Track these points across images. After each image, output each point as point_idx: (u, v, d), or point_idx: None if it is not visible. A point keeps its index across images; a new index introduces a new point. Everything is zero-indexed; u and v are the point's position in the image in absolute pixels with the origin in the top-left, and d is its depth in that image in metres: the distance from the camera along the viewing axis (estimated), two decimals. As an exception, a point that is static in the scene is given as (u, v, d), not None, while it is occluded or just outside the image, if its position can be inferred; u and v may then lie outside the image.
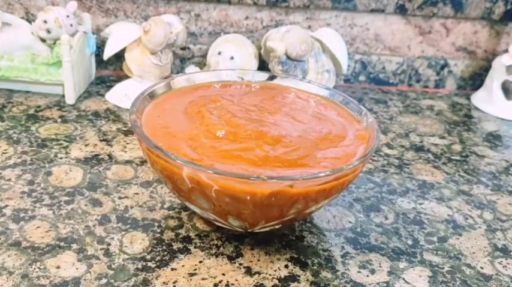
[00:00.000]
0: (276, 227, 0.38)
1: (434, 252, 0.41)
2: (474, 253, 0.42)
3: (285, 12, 0.68)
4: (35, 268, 0.36)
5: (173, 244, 0.39)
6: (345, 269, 0.39)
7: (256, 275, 0.37)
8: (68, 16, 0.57)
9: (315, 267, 0.38)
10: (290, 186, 0.34)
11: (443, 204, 0.48)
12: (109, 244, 0.38)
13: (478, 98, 0.71)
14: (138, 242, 0.39)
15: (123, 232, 0.40)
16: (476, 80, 0.74)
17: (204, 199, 0.35)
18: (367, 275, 0.38)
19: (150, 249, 0.38)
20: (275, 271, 0.38)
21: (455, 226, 0.45)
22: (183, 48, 0.68)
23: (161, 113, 0.42)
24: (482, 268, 0.40)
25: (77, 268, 0.36)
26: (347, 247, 0.41)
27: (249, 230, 0.39)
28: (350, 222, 0.44)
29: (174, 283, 0.36)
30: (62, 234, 0.39)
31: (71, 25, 0.57)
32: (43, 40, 0.58)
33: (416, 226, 0.44)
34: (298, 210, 0.36)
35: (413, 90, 0.73)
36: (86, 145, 0.51)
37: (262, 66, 0.65)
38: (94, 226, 0.40)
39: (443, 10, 0.69)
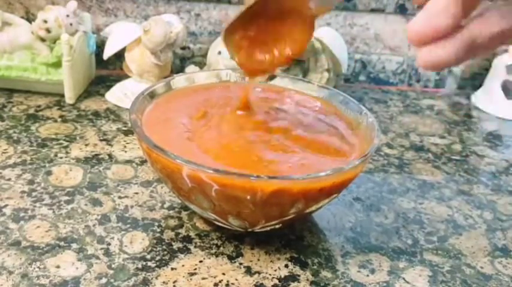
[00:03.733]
0: (276, 226, 0.38)
1: (434, 252, 0.41)
2: (474, 252, 0.42)
3: (285, 12, 0.67)
4: (34, 268, 0.36)
5: (173, 243, 0.39)
6: (345, 269, 0.39)
7: (256, 275, 0.37)
8: (68, 16, 0.57)
9: (315, 267, 0.38)
10: (291, 185, 0.34)
11: (443, 204, 0.48)
12: (109, 244, 0.38)
13: (478, 98, 0.71)
14: (138, 242, 0.39)
15: (123, 232, 0.40)
16: (476, 79, 0.74)
17: (204, 199, 0.35)
18: (367, 275, 0.38)
19: (150, 249, 0.38)
20: (275, 270, 0.38)
21: (455, 226, 0.45)
22: (183, 48, 0.68)
23: (167, 112, 0.42)
24: (482, 267, 0.40)
25: (77, 268, 0.36)
26: (347, 247, 0.41)
27: (249, 230, 0.39)
28: (350, 221, 0.44)
29: (174, 282, 0.36)
30: (62, 234, 0.39)
31: (71, 25, 0.57)
32: (43, 40, 0.58)
33: (416, 226, 0.44)
34: (298, 210, 0.36)
35: (413, 90, 0.73)
36: (86, 145, 0.51)
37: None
38: (94, 225, 0.40)
39: (444, 10, 0.69)
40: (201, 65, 0.67)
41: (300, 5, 0.34)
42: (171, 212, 0.43)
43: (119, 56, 0.61)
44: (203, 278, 0.36)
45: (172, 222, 0.42)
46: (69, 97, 0.58)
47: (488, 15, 0.25)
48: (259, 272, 0.37)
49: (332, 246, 0.41)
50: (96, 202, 0.43)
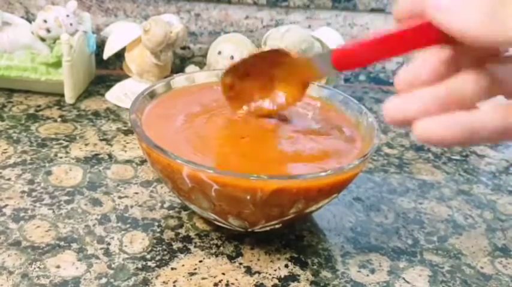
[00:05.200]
0: (276, 226, 0.39)
1: (434, 252, 0.41)
2: (474, 252, 0.42)
3: (285, 12, 0.68)
4: (34, 268, 0.36)
5: (173, 243, 0.39)
6: (345, 269, 0.39)
7: (256, 275, 0.37)
8: (67, 15, 0.57)
9: (315, 267, 0.38)
10: (290, 185, 0.34)
11: (443, 203, 0.48)
12: (109, 244, 0.38)
13: (478, 98, 0.71)
14: (138, 242, 0.39)
15: (123, 232, 0.40)
16: (476, 79, 0.74)
17: (204, 199, 0.35)
18: (367, 275, 0.38)
19: (150, 248, 0.38)
20: (275, 270, 0.38)
21: (455, 226, 0.45)
22: (183, 48, 0.68)
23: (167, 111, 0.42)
24: (482, 267, 0.40)
25: (77, 268, 0.36)
26: (347, 247, 0.41)
27: (249, 230, 0.39)
28: (350, 221, 0.44)
29: (174, 282, 0.36)
30: (62, 233, 0.39)
31: (71, 24, 0.57)
32: (43, 39, 0.58)
33: (416, 226, 0.44)
34: (298, 209, 0.36)
35: (413, 90, 0.73)
36: (86, 145, 0.51)
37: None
38: (94, 225, 0.40)
39: (444, 10, 0.68)
40: (201, 65, 0.67)
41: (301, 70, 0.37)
42: (171, 212, 0.43)
43: (119, 56, 0.61)
44: (203, 278, 0.36)
45: (172, 222, 0.42)
46: (69, 97, 0.58)
47: (496, 109, 0.24)
48: (259, 272, 0.37)
49: (332, 246, 0.41)
50: (96, 202, 0.43)
